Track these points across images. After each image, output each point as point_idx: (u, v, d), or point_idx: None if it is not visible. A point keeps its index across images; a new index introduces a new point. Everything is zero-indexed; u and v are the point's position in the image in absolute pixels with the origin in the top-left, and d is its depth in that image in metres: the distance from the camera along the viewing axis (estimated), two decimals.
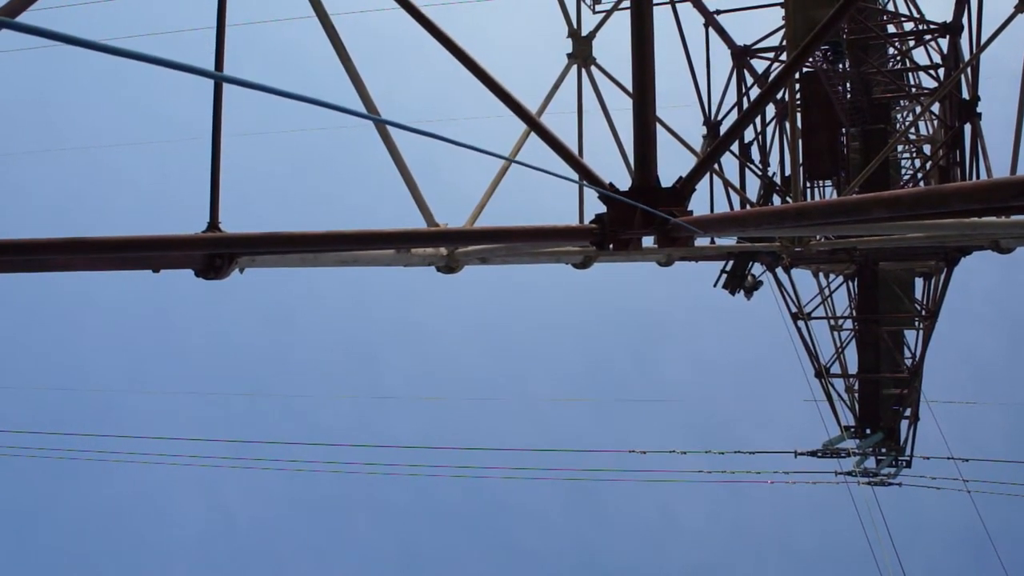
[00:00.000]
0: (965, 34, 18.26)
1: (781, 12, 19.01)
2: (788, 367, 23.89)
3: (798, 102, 19.45)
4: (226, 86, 7.74)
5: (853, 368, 23.51)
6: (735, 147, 20.37)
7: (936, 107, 21.14)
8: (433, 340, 68.34)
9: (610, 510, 59.04)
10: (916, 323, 23.59)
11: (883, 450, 23.21)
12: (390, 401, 53.51)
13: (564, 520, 60.53)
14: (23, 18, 7.01)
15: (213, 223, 7.69)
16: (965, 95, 18.50)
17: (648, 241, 7.35)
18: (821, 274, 24.33)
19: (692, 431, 56.81)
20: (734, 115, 20.69)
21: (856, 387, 23.79)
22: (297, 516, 60.88)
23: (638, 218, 6.69)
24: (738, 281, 19.68)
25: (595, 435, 50.88)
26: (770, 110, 21.25)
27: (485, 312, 66.09)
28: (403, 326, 67.91)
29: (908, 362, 23.70)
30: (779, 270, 21.57)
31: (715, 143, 7.42)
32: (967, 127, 18.57)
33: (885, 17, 21.45)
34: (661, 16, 18.34)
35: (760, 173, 21.39)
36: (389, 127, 9.41)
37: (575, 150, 7.57)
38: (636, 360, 68.89)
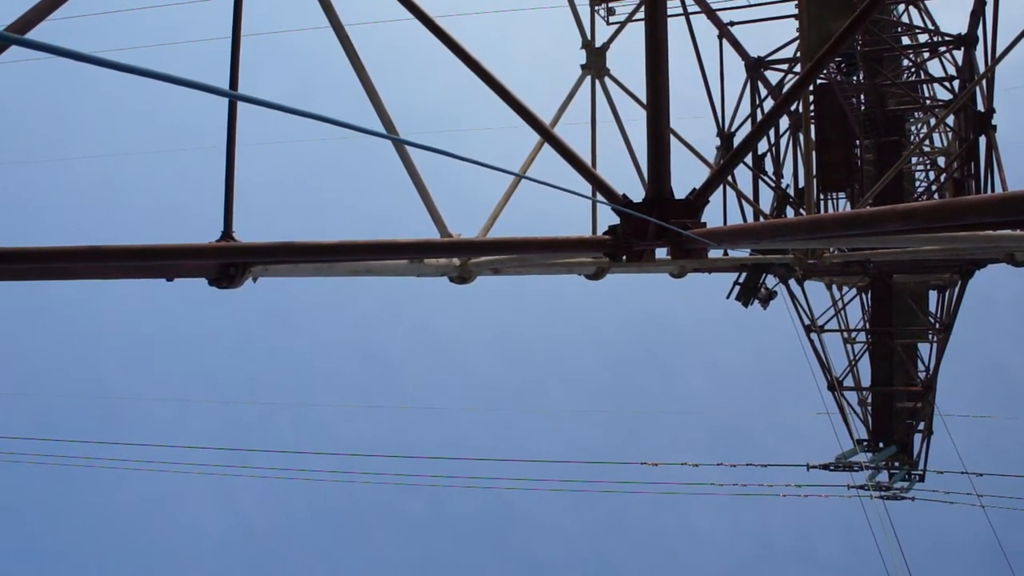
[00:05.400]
0: (980, 46, 18.21)
1: (795, 24, 18.99)
2: (802, 378, 23.81)
3: (812, 114, 19.41)
4: None
5: (866, 381, 23.40)
6: (749, 159, 20.34)
7: (951, 119, 21.06)
8: (451, 349, 68.41)
9: (626, 520, 58.89)
10: (930, 336, 23.45)
11: (896, 464, 23.07)
12: (407, 411, 53.52)
13: (580, 530, 60.41)
14: (38, 31, 7.05)
15: (227, 232, 7.71)
16: (980, 107, 18.43)
17: (661, 253, 7.33)
18: (834, 286, 24.23)
19: (708, 441, 56.70)
20: (748, 127, 20.67)
21: (869, 400, 23.67)
22: (313, 525, 60.92)
23: (651, 230, 6.67)
24: (751, 293, 19.64)
25: (613, 445, 50.80)
26: (784, 122, 21.20)
27: (503, 321, 66.11)
28: (421, 335, 67.97)
29: (922, 375, 23.57)
30: (792, 282, 21.50)
31: (729, 155, 7.41)
32: (982, 139, 18.49)
33: (900, 29, 21.40)
34: (675, 28, 18.38)
35: (774, 185, 21.34)
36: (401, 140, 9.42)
37: (588, 161, 7.56)
38: (654, 369, 68.79)
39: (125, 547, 61.22)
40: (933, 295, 24.23)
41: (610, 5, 18.79)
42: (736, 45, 20.49)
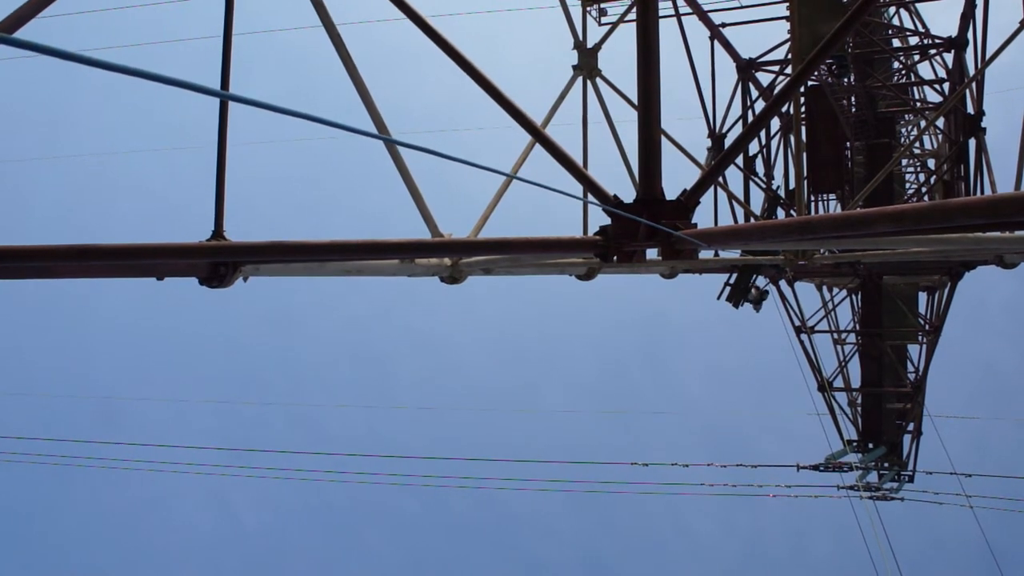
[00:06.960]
0: (970, 49, 18.27)
1: (786, 26, 19.04)
2: (793, 379, 23.92)
3: (803, 116, 19.45)
4: None
5: (856, 382, 23.46)
6: (740, 160, 20.36)
7: (941, 121, 21.13)
8: (445, 349, 68.41)
9: (618, 520, 58.96)
10: (920, 337, 23.53)
11: (885, 464, 23.14)
12: (401, 411, 53.51)
13: (572, 529, 60.47)
14: (31, 27, 7.03)
15: (218, 231, 7.69)
16: (970, 110, 18.49)
17: (652, 253, 7.35)
18: (825, 288, 24.29)
19: (700, 441, 56.77)
20: (739, 128, 20.71)
21: (859, 401, 23.73)
22: (307, 525, 60.86)
23: (642, 231, 6.68)
24: (742, 294, 19.66)
25: (605, 445, 50.86)
26: (775, 123, 21.25)
27: (496, 321, 66.14)
28: (414, 335, 67.97)
29: (911, 376, 23.64)
30: (783, 283, 21.55)
31: (720, 156, 7.42)
32: (972, 142, 18.56)
33: (890, 31, 21.46)
34: (667, 29, 18.36)
35: (764, 186, 21.38)
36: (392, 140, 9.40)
37: (580, 162, 7.57)
38: (646, 369, 68.95)
39: (121, 546, 61.13)
40: (923, 296, 24.32)
41: (602, 6, 18.79)
42: (727, 46, 20.53)
